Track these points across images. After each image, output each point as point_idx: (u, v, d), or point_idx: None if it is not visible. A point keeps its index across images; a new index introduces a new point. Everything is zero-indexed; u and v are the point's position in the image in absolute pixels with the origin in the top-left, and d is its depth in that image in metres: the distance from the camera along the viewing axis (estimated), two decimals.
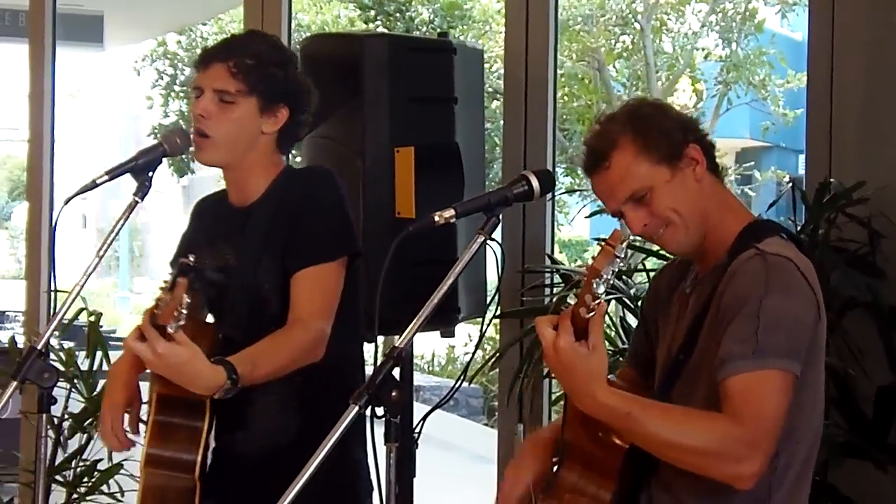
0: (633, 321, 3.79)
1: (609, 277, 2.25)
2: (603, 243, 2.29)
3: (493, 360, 4.14)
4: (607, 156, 2.52)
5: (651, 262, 3.82)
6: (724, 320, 2.39)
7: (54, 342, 4.66)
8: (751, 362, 2.32)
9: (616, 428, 2.40)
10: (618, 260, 2.26)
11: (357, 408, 2.29)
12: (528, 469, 2.68)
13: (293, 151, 3.35)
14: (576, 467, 2.57)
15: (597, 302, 2.28)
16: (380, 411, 2.31)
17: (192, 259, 2.54)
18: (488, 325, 2.86)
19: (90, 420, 4.73)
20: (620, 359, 3.68)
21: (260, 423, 2.99)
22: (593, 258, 2.28)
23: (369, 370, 2.74)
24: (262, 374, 2.80)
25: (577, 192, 10.42)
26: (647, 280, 3.80)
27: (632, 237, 2.51)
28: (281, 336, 2.86)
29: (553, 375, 2.46)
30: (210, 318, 3.02)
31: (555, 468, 2.62)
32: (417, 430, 2.96)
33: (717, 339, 2.39)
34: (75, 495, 4.85)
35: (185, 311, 2.50)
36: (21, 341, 5.27)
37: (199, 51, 3.17)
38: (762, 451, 2.31)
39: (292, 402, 2.97)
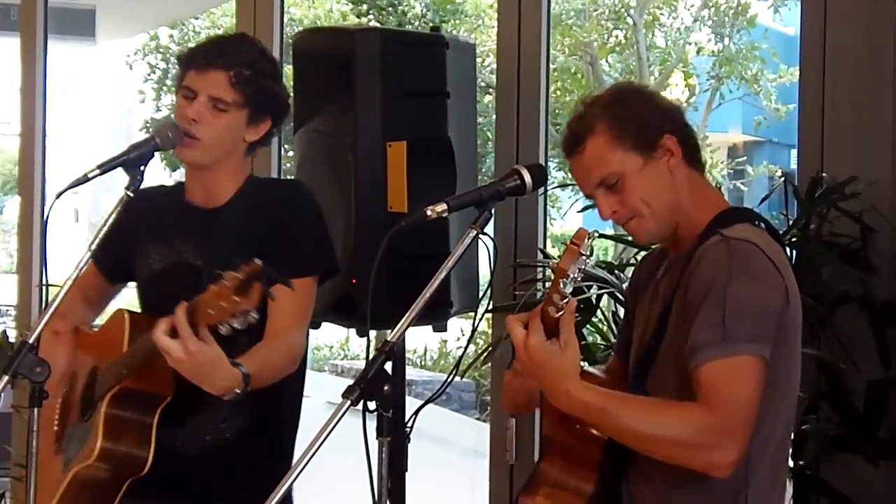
0: None
1: (576, 276, 2.27)
2: (568, 242, 2.30)
3: (485, 354, 4.14)
4: (583, 140, 2.53)
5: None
6: (691, 308, 2.39)
7: None
8: (720, 349, 2.32)
9: (591, 423, 2.41)
10: (583, 258, 2.27)
11: (349, 402, 2.29)
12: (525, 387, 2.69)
13: (285, 146, 3.36)
14: (556, 461, 2.58)
15: (565, 301, 2.29)
16: (372, 405, 2.31)
17: (260, 262, 2.48)
18: (480, 319, 2.86)
19: None
20: (612, 352, 3.69)
21: (201, 420, 2.97)
22: (559, 258, 2.29)
23: (360, 364, 2.74)
24: (263, 380, 2.80)
25: (570, 187, 10.43)
26: None
27: (597, 231, 2.51)
28: (278, 345, 2.87)
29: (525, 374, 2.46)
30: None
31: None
32: (410, 424, 2.95)
33: (686, 327, 2.39)
34: None
35: (255, 317, 2.48)
36: (13, 335, 5.27)
37: (191, 45, 3.15)
38: (737, 439, 2.31)
39: (238, 405, 2.92)
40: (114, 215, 2.77)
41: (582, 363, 2.65)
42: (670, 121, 2.54)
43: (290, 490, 2.95)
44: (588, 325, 3.72)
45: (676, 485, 2.42)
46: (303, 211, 3.00)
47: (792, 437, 2.58)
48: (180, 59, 3.04)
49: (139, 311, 3.08)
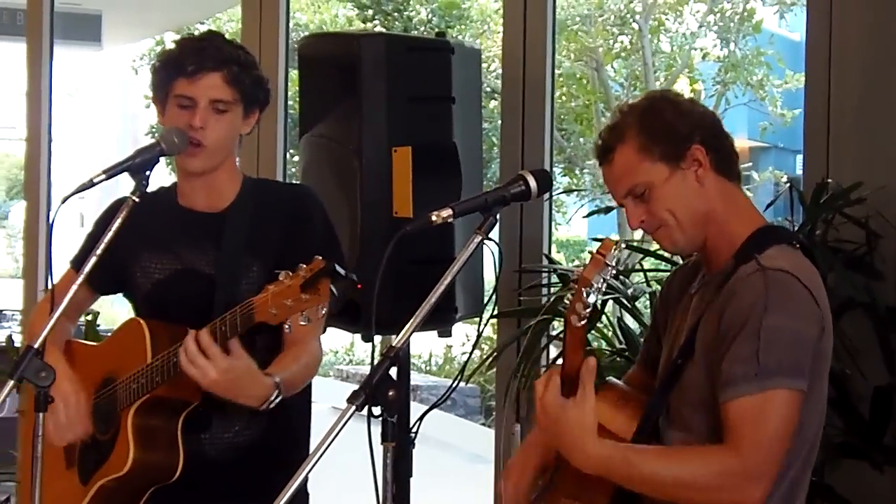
0: (630, 321, 3.79)
1: (600, 286, 2.25)
2: (594, 252, 2.29)
3: (490, 359, 4.14)
4: (613, 149, 2.52)
5: (648, 263, 3.82)
6: (726, 339, 2.37)
7: None
8: (753, 384, 2.30)
9: (615, 477, 2.37)
10: (609, 268, 2.26)
11: (354, 407, 2.29)
12: (532, 460, 2.67)
13: (290, 151, 3.36)
14: (569, 489, 2.54)
15: (588, 310, 2.28)
16: (377, 411, 2.31)
17: (326, 262, 2.48)
18: (485, 324, 2.86)
19: None
20: (618, 359, 3.68)
21: (223, 423, 2.97)
22: (584, 266, 2.28)
23: (365, 369, 2.75)
24: (293, 387, 2.83)
25: (575, 192, 10.44)
26: (644, 280, 3.80)
27: (625, 241, 2.50)
28: (302, 352, 2.89)
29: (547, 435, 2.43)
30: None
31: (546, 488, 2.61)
32: (414, 429, 2.95)
33: (719, 359, 2.37)
34: None
35: (324, 311, 2.50)
36: (18, 340, 5.27)
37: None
38: (764, 478, 2.30)
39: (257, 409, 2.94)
40: (118, 222, 2.75)
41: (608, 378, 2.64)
42: (701, 130, 2.51)
43: (305, 487, 2.97)
44: (593, 331, 3.71)
45: None
46: (316, 216, 3.01)
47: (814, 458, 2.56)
48: (160, 66, 2.98)
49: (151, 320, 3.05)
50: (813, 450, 2.50)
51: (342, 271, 2.47)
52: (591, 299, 2.26)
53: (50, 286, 2.81)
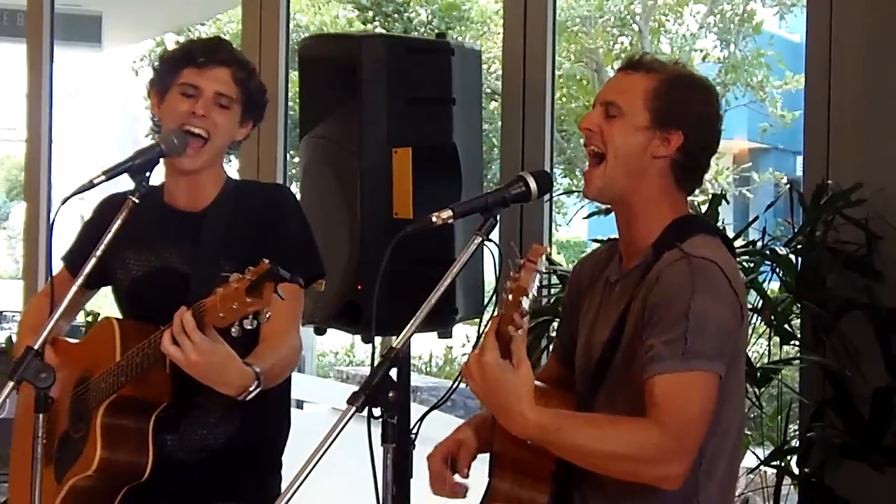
0: None
1: (534, 293, 2.26)
2: (524, 260, 2.30)
3: None
4: (636, 70, 2.56)
5: None
6: (650, 321, 2.40)
7: None
8: (679, 363, 2.34)
9: (546, 443, 2.38)
10: (539, 274, 2.27)
11: (354, 409, 2.29)
12: (449, 441, 2.72)
13: (290, 153, 3.36)
14: (507, 476, 2.57)
15: (525, 318, 2.28)
16: (377, 412, 2.31)
17: (269, 262, 2.46)
18: (486, 325, 2.85)
19: None
20: None
21: (194, 426, 2.96)
22: (516, 277, 2.28)
23: (365, 370, 2.75)
24: (273, 378, 2.80)
25: (575, 193, 10.43)
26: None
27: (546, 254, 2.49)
28: (281, 344, 2.87)
29: (477, 397, 2.42)
30: None
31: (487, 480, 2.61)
32: (415, 430, 2.95)
33: (644, 339, 2.40)
34: None
35: (268, 316, 2.48)
36: None
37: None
38: (686, 453, 2.34)
39: (229, 408, 2.93)
40: (118, 222, 2.75)
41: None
42: (696, 134, 2.54)
43: (279, 482, 2.96)
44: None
45: (629, 492, 2.42)
46: (289, 215, 3.00)
47: (742, 447, 2.63)
48: (167, 58, 3.00)
49: (120, 317, 3.05)
50: (739, 439, 2.55)
51: (286, 274, 2.45)
52: (527, 306, 2.26)
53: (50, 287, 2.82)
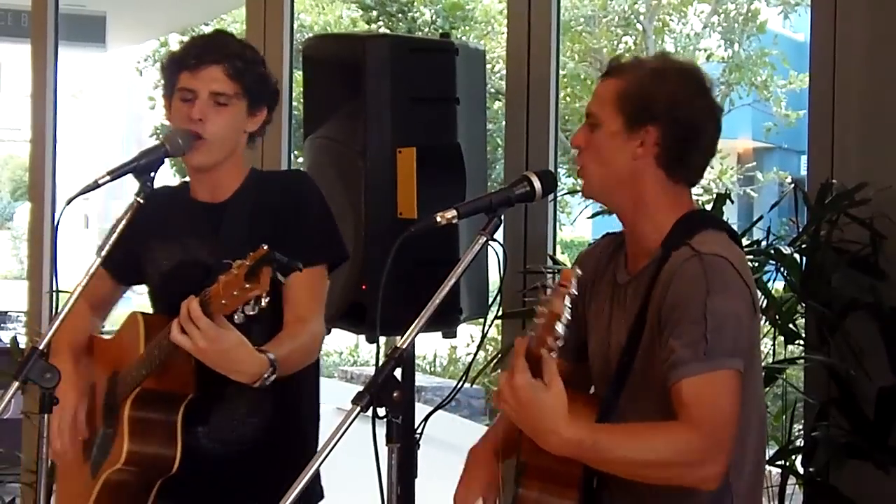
0: None
1: (568, 316, 2.25)
2: (556, 284, 2.29)
3: (494, 360, 4.14)
4: (609, 74, 2.57)
5: None
6: (668, 323, 2.40)
7: None
8: (703, 364, 2.34)
9: (584, 459, 2.38)
10: (570, 297, 2.26)
11: (359, 408, 2.29)
12: (477, 482, 2.69)
13: (295, 153, 3.36)
14: (534, 485, 2.55)
15: (559, 342, 2.27)
16: (382, 412, 2.31)
17: (266, 247, 2.49)
18: (490, 325, 2.85)
19: None
20: None
21: (225, 417, 2.97)
22: (548, 301, 2.27)
23: (370, 370, 2.75)
24: (290, 366, 2.80)
25: (579, 193, 10.41)
26: None
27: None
28: (300, 331, 2.88)
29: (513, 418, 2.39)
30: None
31: (517, 489, 2.59)
32: (419, 430, 2.96)
33: (662, 342, 2.40)
34: None
35: (266, 301, 2.49)
36: (23, 342, 5.27)
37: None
38: (722, 452, 2.34)
39: (260, 399, 2.95)
40: (123, 222, 2.77)
41: None
42: (670, 122, 2.49)
43: (320, 484, 2.96)
44: None
45: (660, 495, 2.42)
46: (311, 201, 3.02)
47: (766, 438, 2.63)
48: (167, 64, 3.03)
49: (151, 312, 3.08)
50: (762, 434, 2.55)
51: (283, 258, 2.46)
52: (562, 330, 2.26)
53: (55, 288, 2.82)
